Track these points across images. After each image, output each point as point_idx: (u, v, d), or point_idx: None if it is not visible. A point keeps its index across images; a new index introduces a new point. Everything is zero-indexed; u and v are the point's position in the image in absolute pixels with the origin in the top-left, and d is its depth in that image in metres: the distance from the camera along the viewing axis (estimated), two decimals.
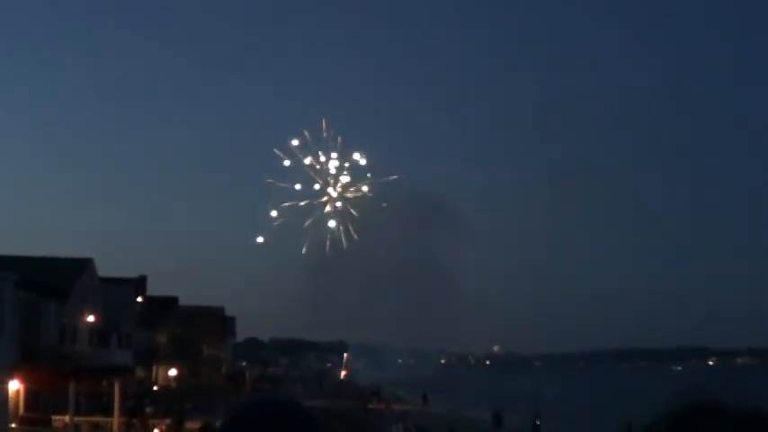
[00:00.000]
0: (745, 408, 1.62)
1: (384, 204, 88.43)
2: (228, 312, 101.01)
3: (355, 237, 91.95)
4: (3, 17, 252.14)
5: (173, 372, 73.99)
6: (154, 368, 73.65)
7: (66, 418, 35.98)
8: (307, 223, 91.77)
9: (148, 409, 46.50)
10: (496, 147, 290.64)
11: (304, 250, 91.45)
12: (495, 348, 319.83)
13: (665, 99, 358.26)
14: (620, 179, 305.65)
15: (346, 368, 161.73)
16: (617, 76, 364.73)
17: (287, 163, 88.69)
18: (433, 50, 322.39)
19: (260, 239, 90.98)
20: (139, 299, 71.11)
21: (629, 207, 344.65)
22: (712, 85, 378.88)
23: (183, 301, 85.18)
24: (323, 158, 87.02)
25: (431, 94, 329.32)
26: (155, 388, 68.73)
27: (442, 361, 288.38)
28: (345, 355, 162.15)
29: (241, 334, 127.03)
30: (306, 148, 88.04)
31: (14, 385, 38.11)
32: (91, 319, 54.56)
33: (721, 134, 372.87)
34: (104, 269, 59.83)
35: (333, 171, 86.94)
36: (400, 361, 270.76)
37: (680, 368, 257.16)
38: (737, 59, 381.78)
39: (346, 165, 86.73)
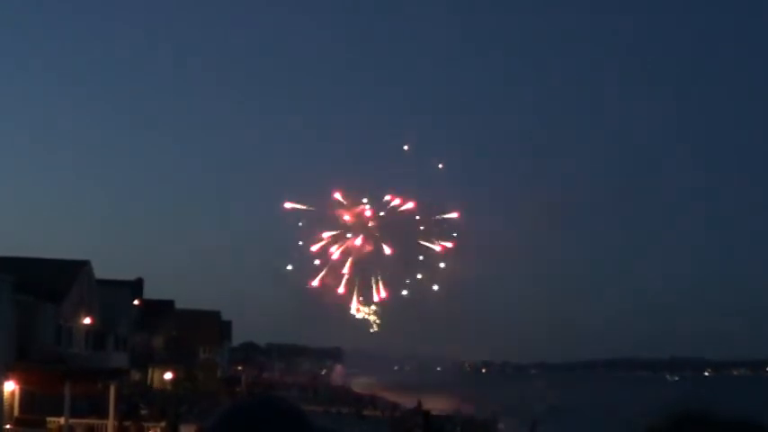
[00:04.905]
0: (736, 418, 1.66)
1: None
2: (225, 317, 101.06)
3: (356, 247, 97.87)
4: (3, 17, 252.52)
5: (168, 375, 73.87)
6: (149, 371, 73.54)
7: (61, 420, 35.89)
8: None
9: (143, 412, 46.40)
10: (495, 163, 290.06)
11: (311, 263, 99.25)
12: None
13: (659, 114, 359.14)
14: (615, 191, 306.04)
15: (340, 375, 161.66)
16: (608, 105, 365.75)
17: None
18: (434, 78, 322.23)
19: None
20: (136, 302, 71.00)
21: (625, 218, 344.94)
22: (704, 107, 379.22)
23: (179, 305, 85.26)
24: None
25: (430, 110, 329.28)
26: (155, 386, 68.71)
27: (438, 369, 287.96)
28: (338, 366, 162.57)
29: (237, 338, 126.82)
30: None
31: (10, 386, 38.08)
32: (87, 321, 54.49)
33: (714, 142, 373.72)
34: (101, 271, 59.87)
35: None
36: (396, 367, 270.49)
37: (677, 378, 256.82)
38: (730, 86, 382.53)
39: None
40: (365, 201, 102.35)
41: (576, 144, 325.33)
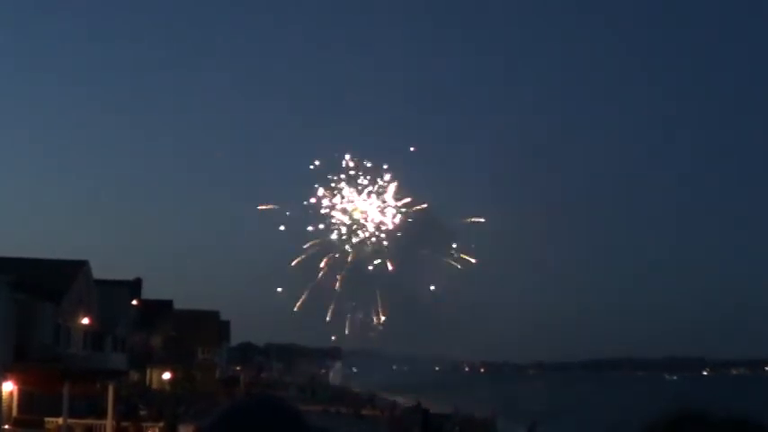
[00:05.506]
0: (734, 417, 1.65)
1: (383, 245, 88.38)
2: (224, 317, 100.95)
3: (355, 251, 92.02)
4: (3, 17, 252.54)
5: (167, 375, 73.90)
6: (148, 371, 73.54)
7: (60, 421, 35.90)
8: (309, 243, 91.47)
9: (141, 413, 46.42)
10: (493, 160, 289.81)
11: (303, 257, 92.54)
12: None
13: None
14: (614, 192, 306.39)
15: (337, 375, 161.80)
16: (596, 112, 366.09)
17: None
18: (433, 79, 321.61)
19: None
20: (134, 302, 70.98)
21: (623, 218, 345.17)
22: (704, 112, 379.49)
23: (178, 305, 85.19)
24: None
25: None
26: (153, 386, 68.74)
27: (437, 368, 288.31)
28: (337, 364, 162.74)
29: (236, 338, 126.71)
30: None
31: (8, 387, 38.07)
32: (86, 321, 54.46)
33: (716, 142, 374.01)
34: (100, 272, 59.86)
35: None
36: (395, 367, 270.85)
37: (675, 378, 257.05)
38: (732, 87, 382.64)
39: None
40: (364, 199, 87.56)
41: (575, 144, 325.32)
